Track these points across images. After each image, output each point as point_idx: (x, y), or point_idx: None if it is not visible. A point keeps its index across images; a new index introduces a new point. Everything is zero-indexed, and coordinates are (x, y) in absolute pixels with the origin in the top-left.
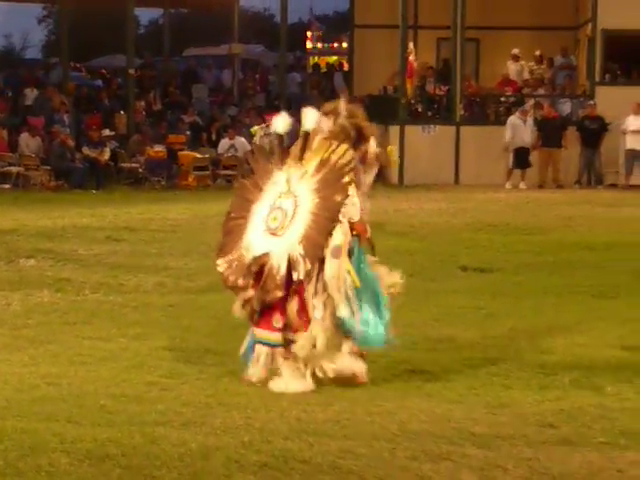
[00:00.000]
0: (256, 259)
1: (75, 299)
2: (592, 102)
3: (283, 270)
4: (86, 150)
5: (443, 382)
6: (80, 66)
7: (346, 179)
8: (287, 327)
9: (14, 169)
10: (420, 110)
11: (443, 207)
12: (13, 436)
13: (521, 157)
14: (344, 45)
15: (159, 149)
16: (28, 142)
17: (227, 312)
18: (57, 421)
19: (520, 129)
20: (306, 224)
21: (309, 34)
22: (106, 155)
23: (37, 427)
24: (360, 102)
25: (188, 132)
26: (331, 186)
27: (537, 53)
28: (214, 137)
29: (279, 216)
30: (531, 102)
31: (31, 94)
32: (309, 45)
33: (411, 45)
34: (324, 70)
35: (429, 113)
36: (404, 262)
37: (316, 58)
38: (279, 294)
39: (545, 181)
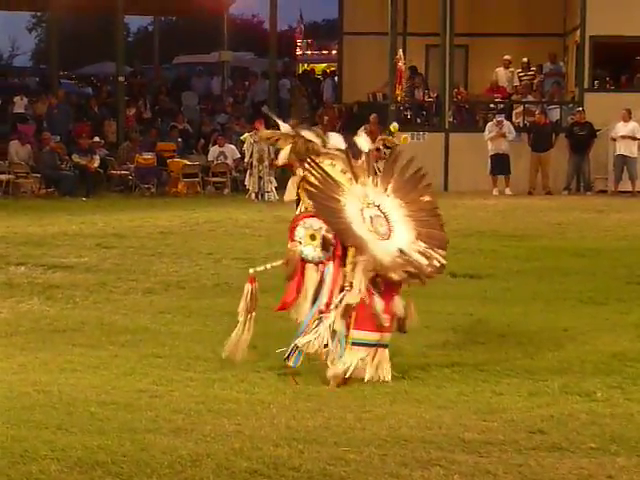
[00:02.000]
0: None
1: (65, 306)
2: (581, 109)
3: (424, 260)
4: (76, 157)
5: (433, 388)
6: (70, 74)
7: (423, 181)
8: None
9: (4, 177)
10: (409, 117)
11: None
12: (3, 444)
13: (498, 163)
14: (334, 52)
15: (149, 156)
16: (18, 150)
17: (216, 318)
18: (47, 428)
19: (496, 137)
20: (411, 225)
21: (298, 41)
22: (96, 162)
23: (27, 434)
24: (345, 110)
25: (179, 139)
26: (412, 191)
27: (524, 60)
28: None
29: (383, 223)
30: (519, 109)
31: (20, 102)
32: (298, 52)
33: (400, 52)
34: (319, 76)
35: (418, 120)
36: None
37: (305, 65)
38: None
39: (535, 187)
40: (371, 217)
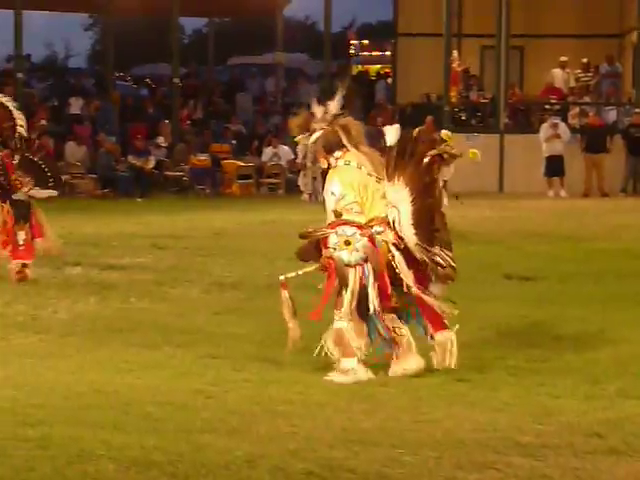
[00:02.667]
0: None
1: (121, 307)
2: (638, 110)
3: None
4: (131, 159)
5: (488, 390)
6: (125, 75)
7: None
8: None
9: None
10: (464, 118)
11: (487, 215)
12: (60, 443)
13: (553, 165)
14: (387, 53)
15: (203, 158)
16: (74, 151)
17: (271, 319)
18: (104, 428)
19: (551, 138)
20: (413, 221)
21: (352, 42)
22: (151, 164)
23: (84, 434)
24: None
25: (233, 141)
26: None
27: (584, 60)
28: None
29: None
30: (575, 110)
31: (76, 103)
32: (352, 53)
33: (455, 53)
34: (373, 77)
35: (473, 121)
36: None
37: (360, 67)
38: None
39: (590, 189)
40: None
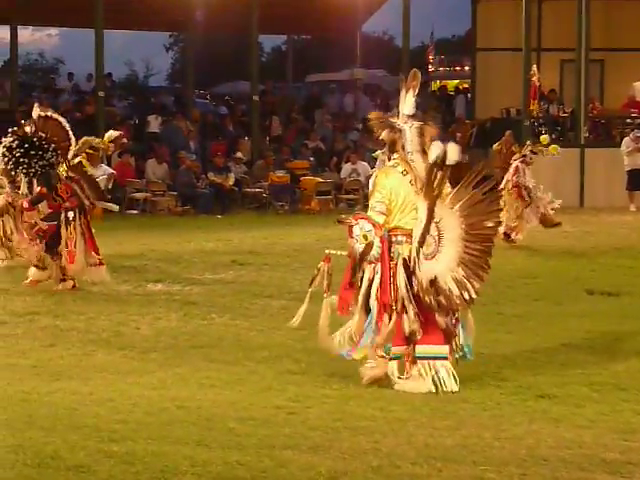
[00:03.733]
0: (432, 282)
1: (202, 323)
2: None
3: (456, 290)
4: (211, 176)
5: (571, 407)
6: (205, 93)
7: (495, 206)
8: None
9: (141, 195)
10: (544, 132)
11: (568, 230)
12: (145, 459)
13: (635, 179)
14: (466, 68)
15: (282, 174)
16: (155, 168)
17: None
18: (187, 444)
19: (633, 151)
20: (460, 249)
21: (431, 58)
22: (231, 180)
23: (167, 450)
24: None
25: (312, 158)
26: (480, 213)
27: None
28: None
29: (431, 242)
30: None
31: (155, 121)
32: (431, 69)
33: (534, 67)
34: (451, 92)
35: (553, 135)
36: (529, 285)
37: (438, 82)
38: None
39: None
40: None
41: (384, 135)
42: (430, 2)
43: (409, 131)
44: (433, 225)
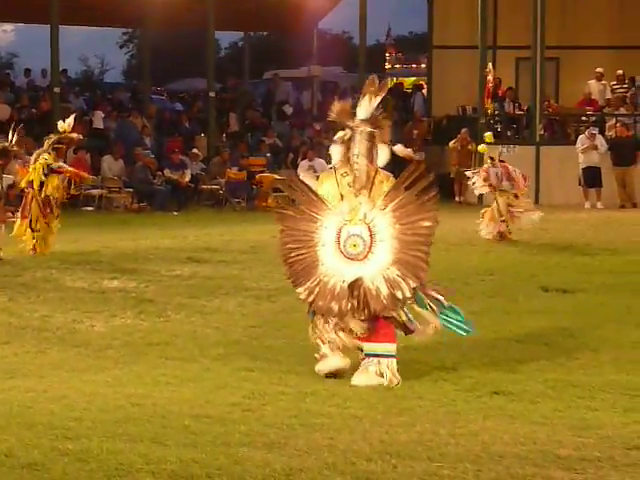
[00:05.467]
0: (352, 284)
1: (158, 320)
2: None
3: (385, 289)
4: (168, 173)
5: (526, 403)
6: (161, 90)
7: (430, 206)
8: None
9: (97, 191)
10: (499, 130)
11: (523, 227)
12: (99, 457)
13: (590, 176)
14: (422, 66)
15: (238, 171)
16: (111, 165)
17: (307, 332)
18: (142, 442)
19: (588, 149)
20: (393, 249)
21: (387, 55)
22: (187, 177)
23: (122, 448)
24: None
25: (268, 154)
26: (415, 212)
27: (619, 72)
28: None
29: (359, 243)
30: (612, 122)
31: (100, 117)
32: (388, 66)
33: (490, 65)
34: (408, 90)
35: (509, 133)
36: (485, 282)
37: (394, 79)
38: (391, 309)
39: (625, 201)
40: (348, 235)
41: (337, 135)
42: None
43: (359, 135)
44: (365, 227)
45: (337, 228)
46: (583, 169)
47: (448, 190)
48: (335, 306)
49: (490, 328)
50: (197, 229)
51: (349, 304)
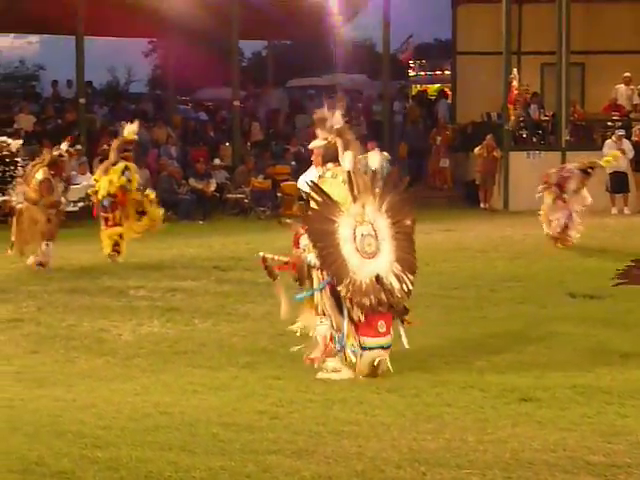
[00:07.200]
0: (376, 279)
1: (185, 328)
2: None
3: (397, 284)
4: (193, 182)
5: (555, 410)
6: (186, 99)
7: (408, 205)
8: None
9: None
10: (525, 136)
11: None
12: (128, 465)
13: (617, 182)
14: (447, 72)
15: (263, 180)
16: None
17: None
18: (171, 450)
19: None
20: (392, 246)
21: (411, 62)
22: (212, 186)
23: (151, 456)
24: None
25: (293, 162)
26: (399, 212)
27: None
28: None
29: (373, 242)
30: (639, 127)
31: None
32: (411, 73)
33: (515, 71)
34: (433, 97)
35: (534, 139)
36: (512, 289)
37: (418, 86)
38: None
39: None
40: (362, 235)
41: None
42: (411, 7)
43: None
44: (370, 226)
45: (352, 229)
46: (610, 174)
47: (474, 197)
48: (367, 301)
49: (518, 334)
50: (223, 238)
51: (376, 299)
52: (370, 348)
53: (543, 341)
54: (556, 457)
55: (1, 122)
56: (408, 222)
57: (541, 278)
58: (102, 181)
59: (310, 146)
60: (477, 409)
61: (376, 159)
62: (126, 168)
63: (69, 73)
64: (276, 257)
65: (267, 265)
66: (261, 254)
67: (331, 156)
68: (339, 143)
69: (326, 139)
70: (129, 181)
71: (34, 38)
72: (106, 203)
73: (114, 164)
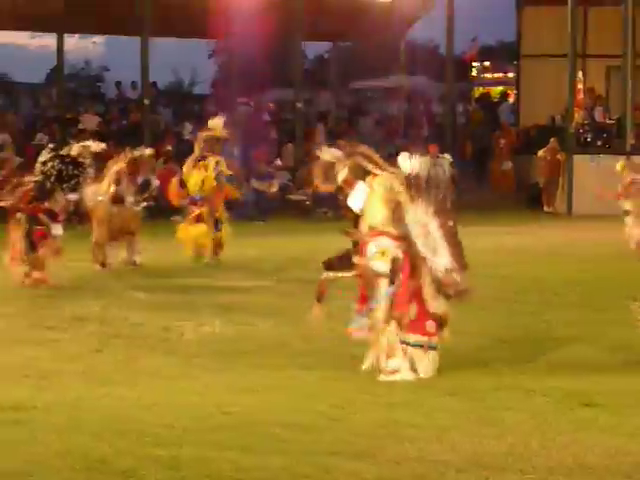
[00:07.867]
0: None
1: (245, 328)
2: None
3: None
4: (254, 183)
5: (618, 415)
6: (248, 100)
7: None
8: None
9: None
10: (589, 139)
11: (613, 237)
12: (190, 464)
13: None
14: (510, 75)
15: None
16: None
17: None
18: (231, 449)
19: None
20: (444, 245)
21: (474, 64)
22: (275, 187)
23: (212, 455)
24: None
25: None
26: (442, 214)
27: None
28: None
29: (431, 241)
30: None
31: (189, 127)
32: (475, 75)
33: (580, 74)
34: (496, 100)
35: (598, 142)
36: (574, 293)
37: (481, 89)
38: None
39: None
40: (424, 235)
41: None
42: (474, 9)
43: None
44: (421, 228)
45: (418, 229)
46: None
47: (537, 200)
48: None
49: (580, 339)
50: (283, 239)
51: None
52: (414, 345)
53: (605, 346)
54: (618, 463)
55: (66, 122)
56: (451, 223)
57: (604, 283)
58: (194, 176)
59: (339, 180)
60: (539, 413)
61: (415, 163)
62: (217, 163)
63: (133, 74)
64: (339, 274)
65: (322, 289)
66: (323, 276)
67: (361, 173)
68: (357, 160)
69: (345, 166)
70: (221, 175)
71: (99, 39)
72: (197, 197)
73: (201, 159)
